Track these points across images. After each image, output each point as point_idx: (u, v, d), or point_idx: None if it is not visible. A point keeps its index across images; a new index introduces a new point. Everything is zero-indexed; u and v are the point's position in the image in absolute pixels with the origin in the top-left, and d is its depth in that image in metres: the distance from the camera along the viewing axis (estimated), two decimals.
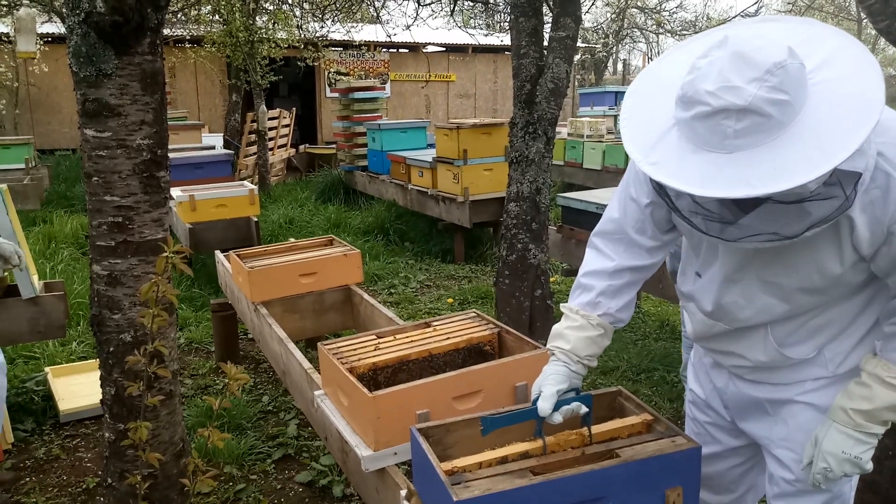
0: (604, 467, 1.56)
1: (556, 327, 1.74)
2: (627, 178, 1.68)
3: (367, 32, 12.31)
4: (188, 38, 12.28)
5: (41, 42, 10.88)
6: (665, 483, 1.60)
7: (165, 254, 1.74)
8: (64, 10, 1.83)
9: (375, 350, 2.30)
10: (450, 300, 5.52)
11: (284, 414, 3.68)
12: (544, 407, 1.61)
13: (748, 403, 1.71)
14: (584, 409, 1.66)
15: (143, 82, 1.87)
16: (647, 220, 1.65)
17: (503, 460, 1.63)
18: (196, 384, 4.02)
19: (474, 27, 14.10)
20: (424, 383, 2.06)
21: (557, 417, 1.62)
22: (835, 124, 1.16)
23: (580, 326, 1.70)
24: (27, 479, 3.09)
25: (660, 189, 1.43)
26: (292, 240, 4.40)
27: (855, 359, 1.55)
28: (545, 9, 4.33)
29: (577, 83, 17.63)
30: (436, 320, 2.53)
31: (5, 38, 10.81)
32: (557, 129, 9.81)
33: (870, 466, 1.50)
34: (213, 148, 7.63)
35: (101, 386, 2.02)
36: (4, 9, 10.06)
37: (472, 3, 9.15)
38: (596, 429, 1.68)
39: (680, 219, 1.44)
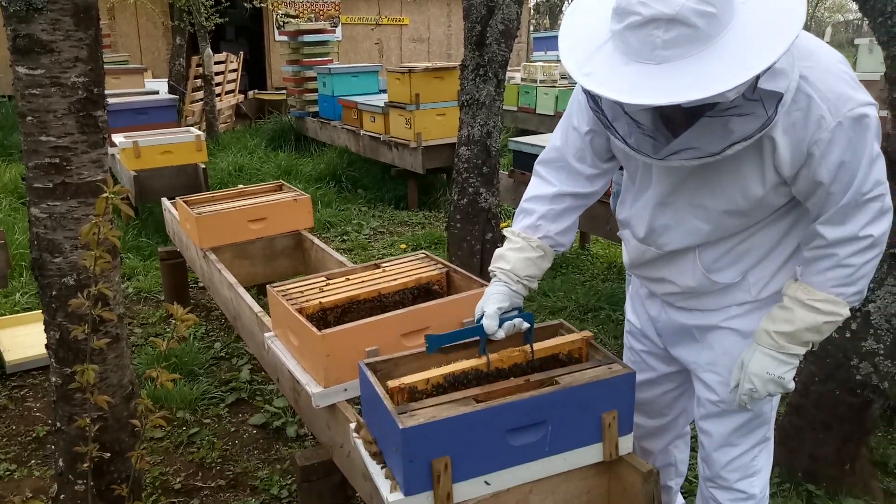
0: (543, 393, 1.63)
1: (498, 250, 1.82)
2: (570, 108, 1.74)
3: None
4: None
5: None
6: (601, 407, 1.69)
7: (105, 194, 1.72)
8: None
9: (324, 291, 2.32)
10: (403, 246, 5.55)
11: (237, 360, 3.69)
12: (489, 324, 1.69)
13: (678, 330, 1.80)
14: (526, 325, 1.73)
15: (76, 17, 1.80)
16: (587, 148, 1.72)
17: (450, 377, 1.70)
18: (146, 332, 3.99)
19: None
20: (373, 321, 2.09)
21: (500, 333, 1.70)
22: (756, 40, 1.22)
23: (520, 248, 1.76)
24: None
25: (596, 107, 1.47)
26: (241, 186, 4.34)
27: (776, 284, 1.63)
28: None
29: (531, 28, 17.46)
30: (385, 261, 2.56)
31: None
32: (511, 74, 9.77)
33: (792, 385, 1.60)
34: (157, 93, 7.38)
35: (46, 330, 2.00)
36: None
37: None
38: (538, 346, 1.76)
39: (614, 137, 1.49)
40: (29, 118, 1.82)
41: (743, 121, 1.34)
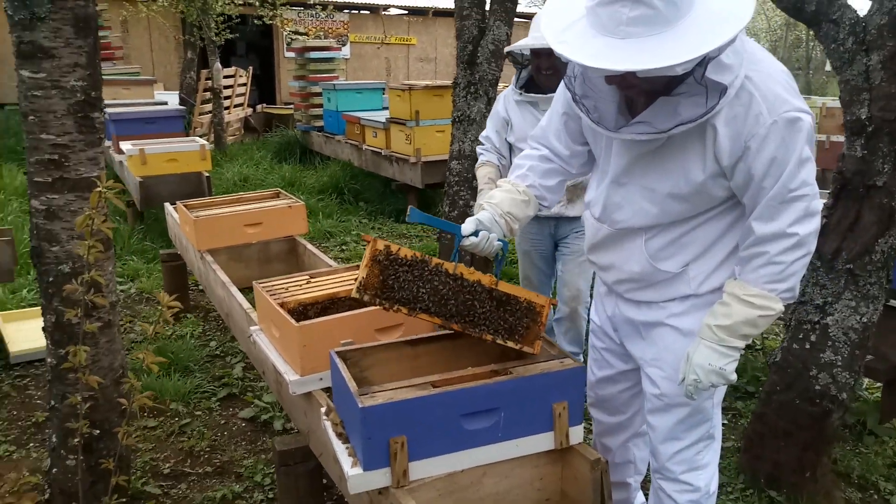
0: (497, 381, 1.75)
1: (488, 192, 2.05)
2: (556, 94, 1.96)
3: None
4: None
5: None
6: (552, 398, 1.81)
7: (99, 188, 1.86)
8: None
9: (306, 288, 2.46)
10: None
11: (231, 357, 3.82)
12: (466, 225, 1.86)
13: (629, 326, 1.93)
14: (498, 243, 1.88)
15: (76, 26, 1.96)
16: (563, 129, 1.94)
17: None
18: (146, 331, 4.12)
19: None
20: (348, 315, 2.22)
21: (473, 239, 1.86)
22: (708, 28, 1.42)
23: (508, 190, 1.97)
24: None
25: (569, 83, 1.69)
26: (240, 193, 4.50)
27: (715, 280, 1.76)
28: None
29: None
30: None
31: None
32: (500, 89, 9.88)
33: (733, 377, 1.70)
34: (166, 104, 7.59)
35: (43, 314, 2.14)
36: None
37: None
38: (503, 286, 1.90)
39: (580, 111, 1.71)
40: (31, 117, 1.98)
41: (690, 104, 1.54)
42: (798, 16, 2.57)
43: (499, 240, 1.90)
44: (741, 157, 1.58)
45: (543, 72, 2.66)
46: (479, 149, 3.20)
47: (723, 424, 3.13)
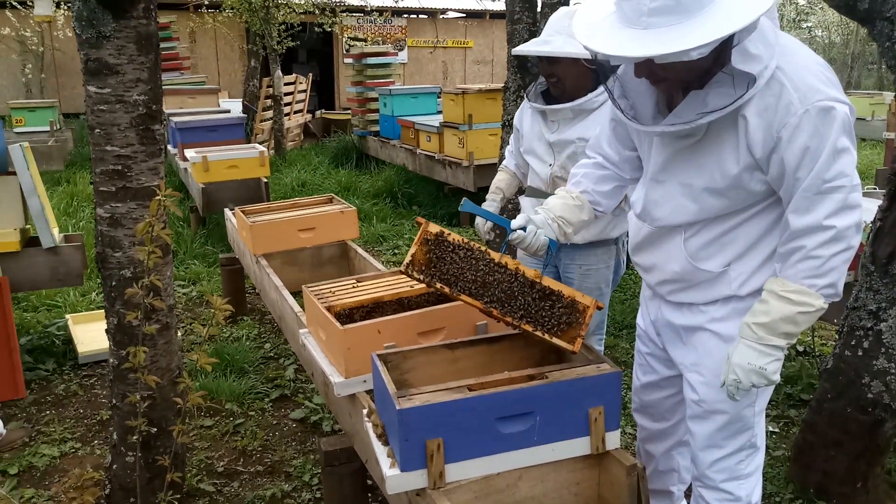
0: (532, 385, 1.78)
1: None
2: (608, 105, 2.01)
3: None
4: (207, 2, 12.46)
5: (66, 7, 11.13)
6: (588, 402, 1.82)
7: (158, 196, 1.97)
8: None
9: (353, 292, 2.53)
10: None
11: (284, 360, 3.95)
12: (517, 220, 1.95)
13: (671, 331, 1.93)
14: (545, 239, 1.95)
15: (139, 43, 2.08)
16: (612, 135, 2.00)
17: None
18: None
19: None
20: (391, 319, 2.28)
21: (521, 233, 1.94)
22: (723, 18, 1.45)
23: (561, 197, 2.04)
24: (47, 412, 3.40)
25: (608, 83, 1.75)
26: (296, 199, 4.63)
27: (756, 281, 1.75)
28: None
29: None
30: None
31: (30, 3, 11.08)
32: None
33: (776, 378, 1.67)
34: (229, 112, 7.85)
35: (106, 317, 2.27)
36: None
37: None
38: (547, 280, 1.96)
39: (616, 110, 1.76)
40: (97, 130, 2.11)
41: (718, 95, 1.58)
42: (851, 14, 2.51)
43: (551, 244, 1.96)
44: (774, 149, 1.58)
45: (549, 79, 2.63)
46: (505, 151, 3.21)
47: (774, 433, 3.10)
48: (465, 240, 1.99)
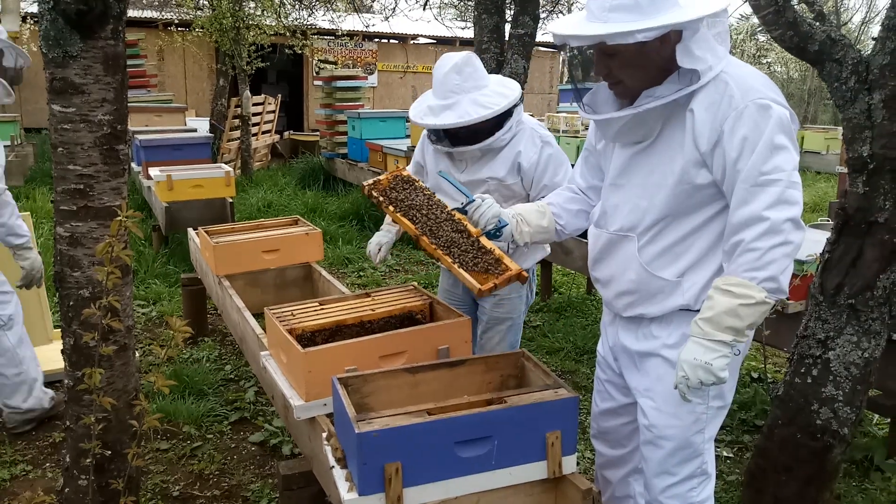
0: (490, 410, 1.80)
1: None
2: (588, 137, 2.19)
3: (355, 22, 12.49)
4: (176, 21, 12.41)
5: (31, 22, 10.99)
6: (545, 427, 1.85)
7: (119, 217, 1.97)
8: (35, 1, 2.04)
9: (315, 314, 2.53)
10: (414, 283, 5.75)
11: (245, 382, 3.91)
12: (478, 195, 2.22)
13: (627, 356, 1.97)
14: (495, 213, 2.15)
15: (106, 64, 2.08)
16: (584, 165, 2.16)
17: None
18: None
19: (454, 19, 14.26)
20: (353, 342, 2.29)
21: (477, 201, 2.17)
22: (670, 15, 1.66)
23: (530, 203, 2.30)
24: None
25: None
26: (261, 220, 4.62)
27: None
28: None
29: (558, 80, 17.84)
30: (375, 291, 2.77)
31: None
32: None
33: (724, 375, 1.68)
34: (195, 131, 7.81)
35: (62, 337, 2.24)
36: None
37: None
38: (485, 241, 2.19)
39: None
40: (60, 149, 2.10)
41: (665, 89, 1.74)
42: (801, 55, 2.62)
43: (501, 221, 2.12)
44: (718, 141, 1.69)
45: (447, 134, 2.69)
46: None
47: (728, 458, 3.16)
48: (432, 191, 2.28)
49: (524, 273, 2.13)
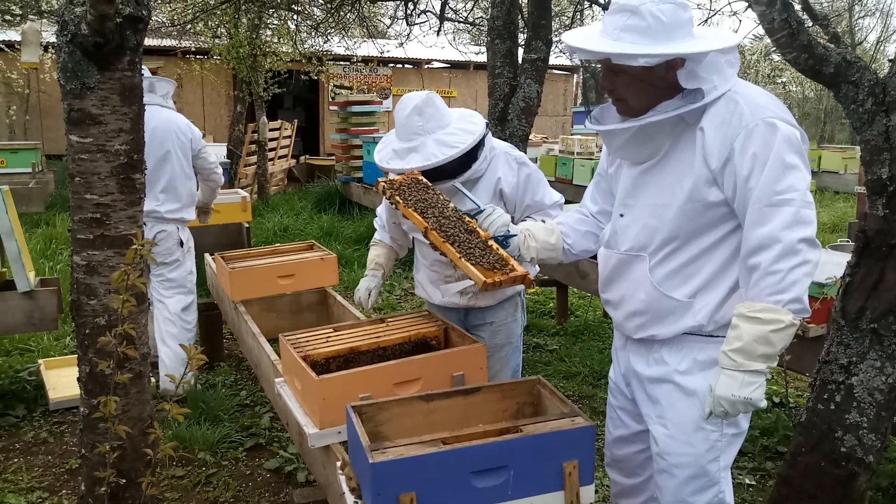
0: (506, 439, 1.78)
1: None
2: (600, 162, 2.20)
3: (370, 48, 12.64)
4: (194, 49, 12.62)
5: (52, 51, 11.21)
6: (562, 456, 1.82)
7: (134, 246, 1.98)
8: (54, 33, 2.08)
9: (330, 341, 2.52)
10: (428, 310, 5.73)
11: (260, 407, 3.90)
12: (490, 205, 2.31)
13: (638, 382, 1.94)
14: (505, 221, 2.23)
15: (122, 95, 2.11)
16: (595, 190, 2.17)
17: None
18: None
19: (467, 44, 14.39)
20: (368, 369, 2.28)
21: (488, 209, 2.25)
22: (681, 45, 1.70)
23: (536, 221, 2.35)
24: (15, 459, 3.32)
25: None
26: (277, 245, 4.64)
27: (721, 315, 1.78)
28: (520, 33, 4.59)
29: (572, 103, 17.89)
30: (390, 317, 2.76)
31: (17, 46, 11.16)
32: (549, 146, 10.05)
33: (763, 404, 1.67)
34: None
35: (78, 365, 2.25)
36: (18, 18, 10.41)
37: (460, 24, 9.47)
38: (493, 244, 2.20)
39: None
40: (77, 178, 2.12)
41: (669, 104, 1.76)
42: (817, 77, 2.60)
43: (510, 231, 2.18)
44: (728, 159, 1.68)
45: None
46: (375, 223, 3.12)
47: (750, 486, 3.09)
48: (445, 197, 2.37)
49: (530, 277, 2.13)
